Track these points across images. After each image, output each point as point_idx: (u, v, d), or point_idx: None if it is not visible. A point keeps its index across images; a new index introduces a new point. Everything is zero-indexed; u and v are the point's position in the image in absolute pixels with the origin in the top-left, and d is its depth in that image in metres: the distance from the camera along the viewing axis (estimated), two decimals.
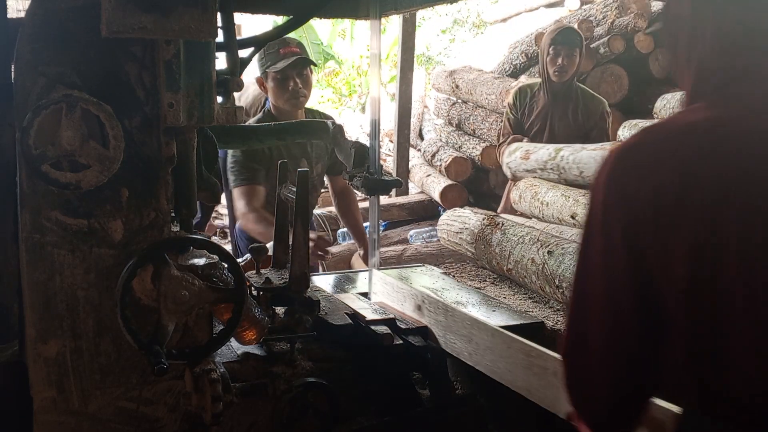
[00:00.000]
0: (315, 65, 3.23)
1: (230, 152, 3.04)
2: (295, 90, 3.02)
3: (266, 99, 4.18)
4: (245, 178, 3.04)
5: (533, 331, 2.11)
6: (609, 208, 1.03)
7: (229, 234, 4.94)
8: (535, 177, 3.88)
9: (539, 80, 4.35)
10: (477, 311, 2.26)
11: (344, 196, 3.46)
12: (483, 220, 3.06)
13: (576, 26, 5.01)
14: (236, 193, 3.03)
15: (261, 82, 3.13)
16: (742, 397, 0.95)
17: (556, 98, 4.17)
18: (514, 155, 4.10)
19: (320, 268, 3.49)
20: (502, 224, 2.93)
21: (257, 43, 1.88)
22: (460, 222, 3.20)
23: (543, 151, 3.86)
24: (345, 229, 4.67)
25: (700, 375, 0.99)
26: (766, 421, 0.95)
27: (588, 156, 3.42)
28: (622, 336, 1.04)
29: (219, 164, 1.96)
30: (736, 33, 1.03)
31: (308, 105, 3.28)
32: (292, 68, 2.99)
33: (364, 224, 3.63)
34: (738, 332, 0.95)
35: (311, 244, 2.52)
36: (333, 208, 5.12)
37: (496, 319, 2.20)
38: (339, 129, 2.22)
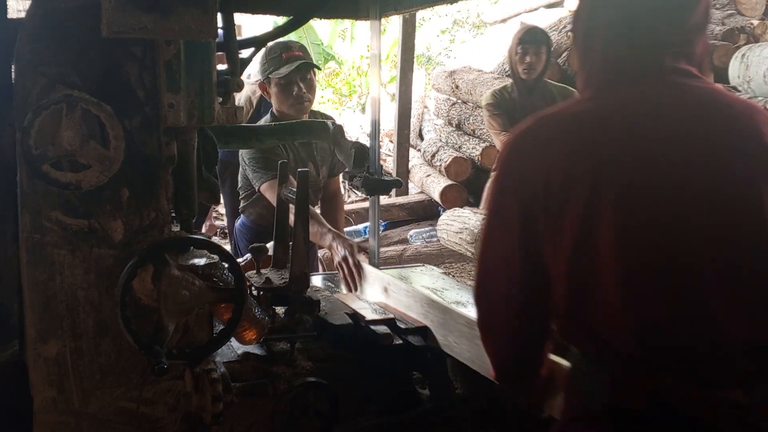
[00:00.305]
0: (319, 69, 3.17)
1: (244, 154, 2.99)
2: (300, 95, 2.96)
3: (260, 99, 4.17)
4: (272, 172, 2.91)
5: None
6: (507, 187, 1.25)
7: (228, 234, 4.95)
8: None
9: (509, 82, 4.45)
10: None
11: (334, 199, 3.42)
12: (483, 219, 3.06)
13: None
14: (266, 187, 2.94)
15: (264, 87, 3.07)
16: (608, 337, 1.16)
17: (531, 95, 4.28)
18: None
19: (320, 268, 3.49)
20: None
21: (257, 43, 1.88)
22: (459, 222, 3.20)
23: None
24: (345, 229, 4.67)
25: (579, 321, 1.19)
26: (626, 356, 1.15)
27: None
28: (515, 291, 1.24)
29: (221, 166, 1.96)
30: (617, 46, 1.24)
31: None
32: (295, 73, 2.94)
33: (364, 224, 3.63)
34: (604, 286, 1.14)
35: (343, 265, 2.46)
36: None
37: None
38: (339, 129, 2.22)
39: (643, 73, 1.22)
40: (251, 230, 3.21)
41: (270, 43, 2.90)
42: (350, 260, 2.44)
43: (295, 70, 2.93)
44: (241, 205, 3.24)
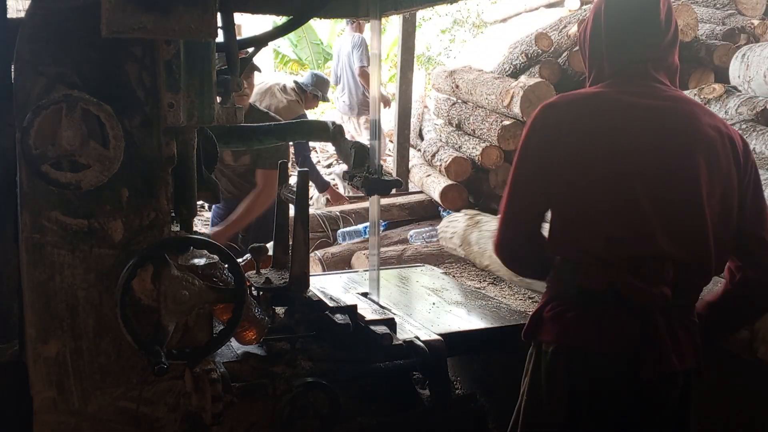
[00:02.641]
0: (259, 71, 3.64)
1: None
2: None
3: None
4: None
5: (509, 334, 2.12)
6: (532, 140, 1.79)
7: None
8: None
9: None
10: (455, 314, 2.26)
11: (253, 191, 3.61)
12: (467, 220, 3.06)
13: (576, 27, 5.00)
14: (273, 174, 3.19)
15: None
16: (586, 245, 1.69)
17: None
18: None
19: (321, 268, 3.51)
20: (480, 222, 2.93)
21: (257, 43, 1.88)
22: (451, 227, 3.21)
23: None
24: (345, 229, 4.67)
25: (567, 235, 1.74)
26: (595, 257, 1.68)
27: None
28: (525, 200, 1.81)
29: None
30: (614, 58, 1.82)
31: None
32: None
33: (364, 224, 3.64)
34: (589, 215, 1.70)
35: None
36: (333, 208, 5.14)
37: (474, 321, 2.23)
38: (339, 129, 2.22)
39: (632, 76, 1.80)
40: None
41: None
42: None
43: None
44: None
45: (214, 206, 3.75)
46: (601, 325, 1.65)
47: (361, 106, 7.76)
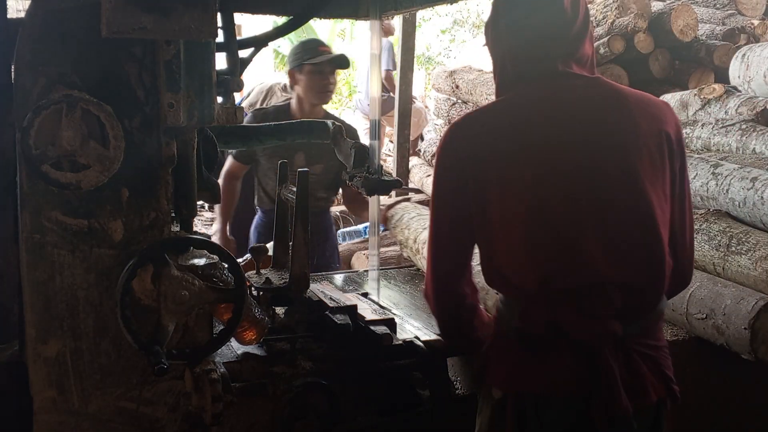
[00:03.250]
0: (348, 67, 3.48)
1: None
2: (327, 84, 3.20)
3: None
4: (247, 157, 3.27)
5: None
6: (442, 170, 1.59)
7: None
8: None
9: None
10: None
11: (357, 198, 3.48)
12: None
13: None
14: (231, 161, 3.31)
15: (293, 74, 3.28)
16: (515, 280, 1.51)
17: None
18: None
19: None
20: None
21: (257, 43, 1.87)
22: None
23: None
24: (345, 230, 4.67)
25: (494, 268, 1.56)
26: (528, 294, 1.49)
27: None
28: (447, 244, 1.60)
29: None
30: (518, 57, 1.58)
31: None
32: (327, 64, 3.20)
33: (364, 224, 3.64)
34: (513, 242, 1.50)
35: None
36: (333, 208, 5.12)
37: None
38: (339, 129, 2.22)
39: (539, 77, 1.56)
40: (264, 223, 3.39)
41: (304, 39, 3.28)
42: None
43: (328, 61, 3.20)
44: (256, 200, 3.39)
45: (258, 217, 3.49)
46: (547, 367, 1.47)
47: (383, 107, 7.76)
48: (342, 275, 2.77)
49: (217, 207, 3.50)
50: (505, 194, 1.49)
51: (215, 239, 3.02)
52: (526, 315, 1.49)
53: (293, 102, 3.33)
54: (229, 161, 3.34)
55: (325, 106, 3.42)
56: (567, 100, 1.53)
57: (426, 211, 2.81)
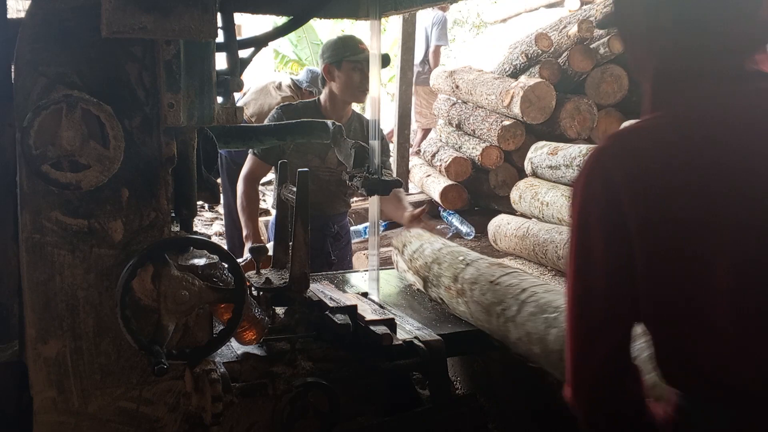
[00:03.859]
0: (389, 65, 3.36)
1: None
2: (365, 83, 3.14)
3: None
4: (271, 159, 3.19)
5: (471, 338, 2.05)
6: (594, 198, 1.10)
7: (226, 235, 4.95)
8: (557, 173, 3.88)
9: None
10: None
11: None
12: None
13: (576, 27, 5.02)
14: (252, 158, 3.21)
15: (329, 69, 3.23)
16: (725, 378, 1.01)
17: None
18: (541, 151, 4.11)
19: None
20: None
21: (257, 43, 1.88)
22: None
23: (573, 148, 3.85)
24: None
25: (682, 360, 1.05)
26: (749, 397, 1.00)
27: None
28: (597, 305, 1.10)
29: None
30: (691, 35, 1.10)
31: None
32: (367, 63, 3.08)
33: (364, 224, 3.63)
34: (720, 322, 1.00)
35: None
36: None
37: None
38: (339, 129, 2.22)
39: (718, 80, 1.08)
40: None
41: (342, 35, 3.20)
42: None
43: (368, 60, 3.09)
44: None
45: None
46: None
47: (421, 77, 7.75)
48: (341, 275, 2.77)
49: (219, 208, 3.49)
50: (692, 247, 1.03)
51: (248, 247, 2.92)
52: (745, 428, 1.03)
53: (324, 98, 3.27)
54: (251, 161, 3.24)
55: (354, 107, 3.37)
56: (764, 111, 1.07)
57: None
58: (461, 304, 2.08)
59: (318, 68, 3.92)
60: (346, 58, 3.15)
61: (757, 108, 1.07)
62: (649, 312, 1.08)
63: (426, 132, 7.58)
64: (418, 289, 2.39)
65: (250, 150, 3.23)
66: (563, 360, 1.17)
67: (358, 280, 2.64)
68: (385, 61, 3.20)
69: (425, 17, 8.01)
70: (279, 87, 5.55)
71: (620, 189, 1.06)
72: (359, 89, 3.18)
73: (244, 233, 3.24)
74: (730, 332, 1.01)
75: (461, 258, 2.20)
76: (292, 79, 5.77)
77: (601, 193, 1.08)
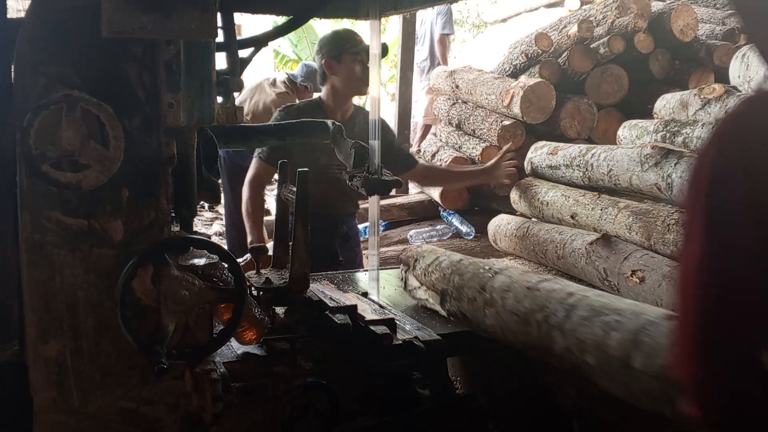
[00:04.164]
0: (388, 55, 3.33)
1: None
2: (365, 75, 3.10)
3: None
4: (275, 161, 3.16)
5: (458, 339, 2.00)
6: (724, 175, 0.91)
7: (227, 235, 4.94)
8: (557, 172, 3.87)
9: None
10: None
11: (431, 171, 3.60)
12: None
13: (576, 26, 5.01)
14: (257, 159, 3.21)
15: (329, 64, 3.20)
16: None
17: None
18: (541, 151, 4.10)
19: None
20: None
21: (257, 43, 1.88)
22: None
23: (573, 148, 3.85)
24: None
25: None
26: None
27: (622, 154, 3.29)
28: (737, 306, 0.91)
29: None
30: None
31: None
32: (367, 54, 3.10)
33: (364, 224, 3.62)
34: None
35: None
36: None
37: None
38: (339, 129, 2.22)
39: None
40: None
41: (337, 29, 3.21)
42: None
43: (366, 51, 3.10)
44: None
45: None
46: None
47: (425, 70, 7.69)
48: (341, 275, 2.77)
49: (219, 208, 3.47)
50: None
51: None
52: None
53: (325, 94, 3.25)
54: (256, 165, 3.20)
55: (355, 101, 3.35)
56: None
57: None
58: (489, 317, 1.85)
59: (313, 63, 3.90)
60: (345, 51, 3.14)
61: None
62: None
63: (426, 130, 7.57)
64: (428, 309, 2.21)
65: (255, 154, 3.21)
66: (628, 368, 1.03)
67: (359, 280, 2.64)
68: (384, 50, 3.19)
69: (427, 12, 7.95)
70: (273, 83, 5.53)
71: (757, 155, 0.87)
72: (361, 81, 3.16)
73: (249, 239, 3.18)
74: None
75: (487, 267, 2.00)
76: (287, 74, 5.76)
77: (744, 165, 0.89)
